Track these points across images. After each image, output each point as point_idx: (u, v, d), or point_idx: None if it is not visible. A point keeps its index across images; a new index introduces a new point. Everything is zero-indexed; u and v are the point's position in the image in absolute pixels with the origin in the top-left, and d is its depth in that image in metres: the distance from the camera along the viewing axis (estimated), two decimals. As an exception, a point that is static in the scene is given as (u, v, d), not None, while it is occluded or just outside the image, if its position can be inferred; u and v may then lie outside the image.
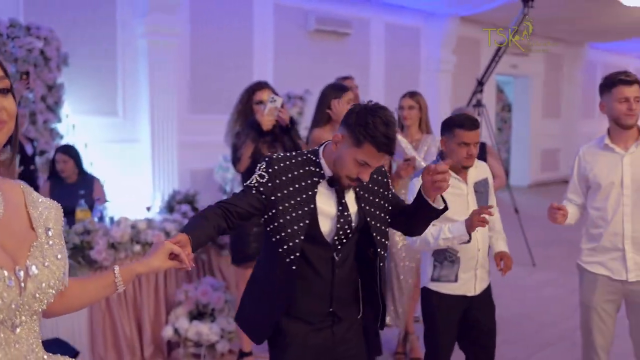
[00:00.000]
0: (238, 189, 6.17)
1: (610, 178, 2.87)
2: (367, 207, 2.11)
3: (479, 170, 2.93)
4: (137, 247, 3.78)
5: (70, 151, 4.52)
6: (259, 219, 2.08)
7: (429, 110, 4.07)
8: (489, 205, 2.77)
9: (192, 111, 7.08)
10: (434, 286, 2.88)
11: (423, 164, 3.85)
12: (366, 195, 2.12)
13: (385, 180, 2.20)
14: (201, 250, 4.11)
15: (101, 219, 4.05)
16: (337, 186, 2.05)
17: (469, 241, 2.70)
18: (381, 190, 2.17)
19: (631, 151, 2.86)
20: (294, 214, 2.00)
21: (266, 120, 3.36)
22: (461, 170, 2.83)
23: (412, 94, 3.98)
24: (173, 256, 1.63)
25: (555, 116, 13.87)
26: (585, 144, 3.08)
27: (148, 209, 4.53)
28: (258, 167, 2.06)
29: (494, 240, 3.01)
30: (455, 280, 2.85)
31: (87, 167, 4.93)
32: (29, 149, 5.09)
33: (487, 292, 2.98)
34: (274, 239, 2.03)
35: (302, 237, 2.00)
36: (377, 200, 2.15)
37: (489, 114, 7.45)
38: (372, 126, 1.89)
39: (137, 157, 6.49)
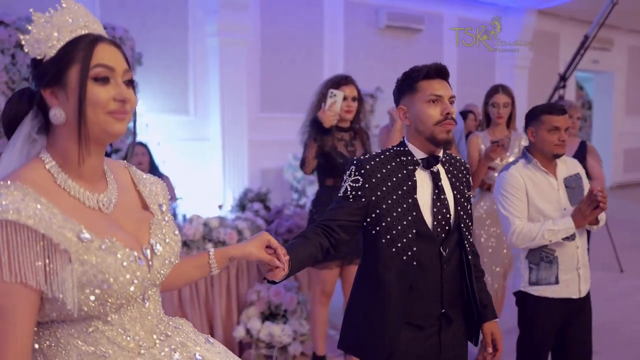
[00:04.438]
0: (309, 188, 6.11)
1: None
2: (459, 196, 2.04)
3: (569, 166, 2.80)
4: (210, 245, 3.73)
5: (146, 146, 4.61)
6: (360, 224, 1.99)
7: None
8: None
9: (262, 110, 7.05)
10: (534, 290, 2.72)
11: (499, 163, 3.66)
12: (457, 183, 2.06)
13: (468, 177, 2.14)
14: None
15: (174, 216, 4.02)
16: (434, 164, 2.00)
17: (573, 237, 2.57)
18: (465, 185, 2.11)
19: None
20: (399, 209, 1.93)
21: (327, 116, 3.20)
22: (550, 163, 2.72)
23: (505, 88, 3.72)
24: (270, 251, 1.60)
25: (639, 113, 13.12)
26: None
27: (220, 207, 4.48)
28: (347, 174, 2.00)
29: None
30: (556, 282, 2.68)
31: (160, 164, 4.96)
32: (108, 147, 5.17)
33: (586, 296, 2.77)
34: (383, 240, 1.93)
35: (414, 231, 1.92)
36: (465, 191, 2.09)
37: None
38: (410, 71, 2.00)
39: (208, 155, 6.51)
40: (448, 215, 1.98)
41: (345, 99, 3.29)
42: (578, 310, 2.74)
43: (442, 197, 1.98)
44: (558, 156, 2.70)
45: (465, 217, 2.04)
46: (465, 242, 2.02)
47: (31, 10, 1.25)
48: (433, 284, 1.97)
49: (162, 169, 4.96)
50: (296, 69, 7.20)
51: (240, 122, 6.49)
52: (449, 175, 2.04)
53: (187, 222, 3.83)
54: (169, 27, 6.30)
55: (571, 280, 2.69)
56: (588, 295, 2.79)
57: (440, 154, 2.02)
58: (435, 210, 1.96)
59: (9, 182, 1.12)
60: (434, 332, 2.00)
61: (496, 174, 3.64)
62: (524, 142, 3.72)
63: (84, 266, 1.14)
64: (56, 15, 1.21)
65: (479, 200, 3.77)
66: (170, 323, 1.40)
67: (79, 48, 1.20)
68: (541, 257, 2.69)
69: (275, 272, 1.61)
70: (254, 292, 3.74)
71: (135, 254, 1.23)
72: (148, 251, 1.29)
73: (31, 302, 1.11)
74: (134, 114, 1.30)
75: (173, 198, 4.44)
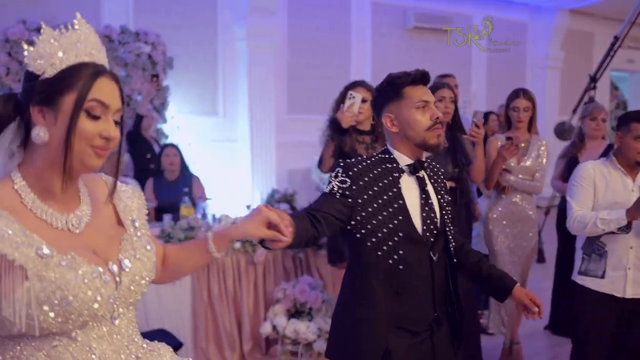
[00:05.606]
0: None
1: None
2: (442, 200, 2.06)
3: None
4: (237, 244, 3.82)
5: (177, 147, 4.74)
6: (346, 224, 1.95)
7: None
8: None
9: (289, 111, 7.14)
10: (580, 279, 2.84)
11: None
12: (439, 188, 2.09)
13: (445, 183, 2.17)
14: (298, 250, 4.09)
15: (204, 215, 4.13)
16: (420, 169, 2.01)
17: (627, 229, 2.62)
18: (444, 189, 2.13)
19: None
20: (384, 213, 1.93)
21: (345, 117, 3.30)
22: (633, 168, 2.78)
23: (526, 92, 3.72)
24: (271, 226, 1.45)
25: (675, 114, 12.81)
26: None
27: (248, 207, 4.57)
28: (333, 175, 1.97)
29: None
30: (602, 276, 2.75)
31: (190, 165, 5.08)
32: (157, 149, 5.29)
33: None
34: (369, 243, 1.92)
35: (401, 234, 1.92)
36: (445, 196, 2.11)
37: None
38: (393, 78, 2.00)
39: (237, 156, 6.63)
40: (435, 220, 1.99)
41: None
42: (634, 315, 2.75)
43: (429, 201, 1.99)
44: None
45: (448, 221, 2.05)
46: (450, 246, 2.03)
47: (42, 22, 1.24)
48: (425, 289, 1.96)
49: (193, 169, 5.08)
50: (323, 72, 7.27)
51: (268, 124, 6.59)
52: (432, 180, 2.06)
53: (216, 221, 3.94)
54: (199, 32, 6.44)
55: (617, 278, 2.73)
56: None
57: (424, 159, 2.04)
58: (424, 215, 1.96)
59: None
60: (427, 337, 1.99)
61: (511, 177, 3.64)
62: (544, 147, 3.71)
63: (42, 282, 1.12)
64: (66, 36, 1.20)
65: (496, 202, 3.74)
66: (145, 346, 1.35)
67: (81, 77, 1.18)
68: (593, 249, 2.77)
69: (279, 244, 1.51)
70: (280, 290, 3.83)
71: (100, 269, 1.21)
72: (115, 267, 1.26)
73: None
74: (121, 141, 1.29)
75: (203, 198, 4.55)
